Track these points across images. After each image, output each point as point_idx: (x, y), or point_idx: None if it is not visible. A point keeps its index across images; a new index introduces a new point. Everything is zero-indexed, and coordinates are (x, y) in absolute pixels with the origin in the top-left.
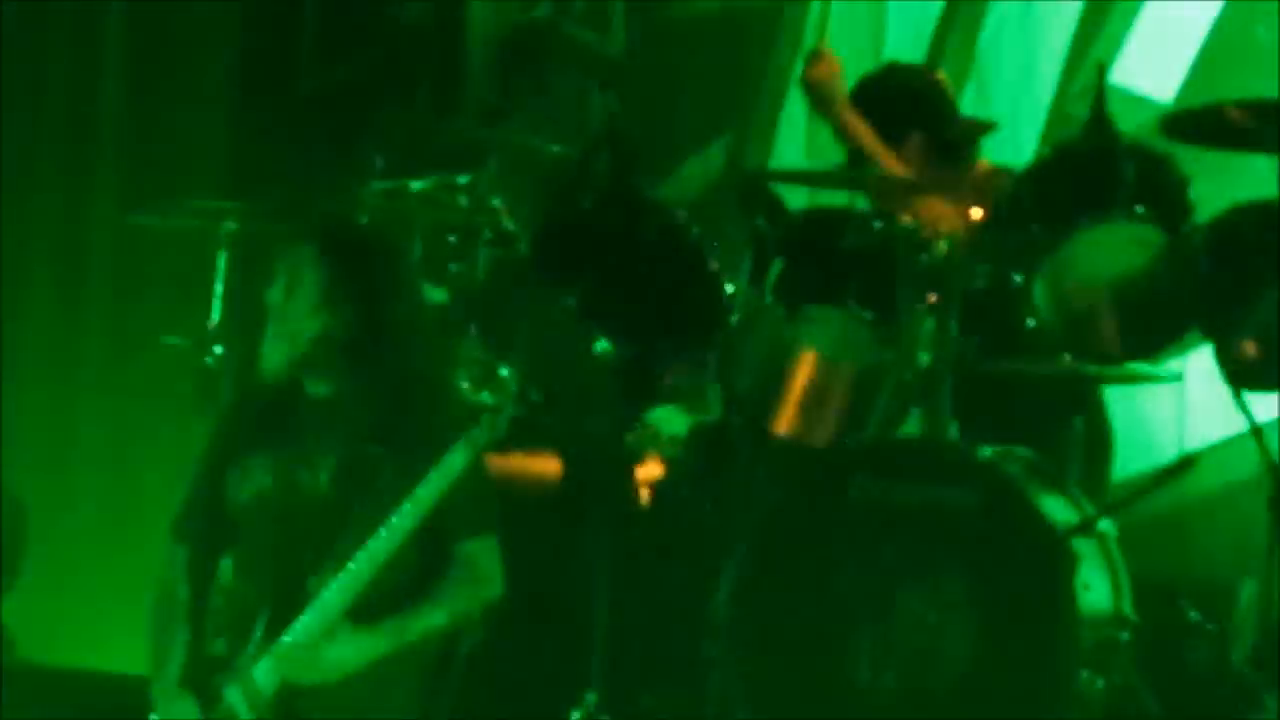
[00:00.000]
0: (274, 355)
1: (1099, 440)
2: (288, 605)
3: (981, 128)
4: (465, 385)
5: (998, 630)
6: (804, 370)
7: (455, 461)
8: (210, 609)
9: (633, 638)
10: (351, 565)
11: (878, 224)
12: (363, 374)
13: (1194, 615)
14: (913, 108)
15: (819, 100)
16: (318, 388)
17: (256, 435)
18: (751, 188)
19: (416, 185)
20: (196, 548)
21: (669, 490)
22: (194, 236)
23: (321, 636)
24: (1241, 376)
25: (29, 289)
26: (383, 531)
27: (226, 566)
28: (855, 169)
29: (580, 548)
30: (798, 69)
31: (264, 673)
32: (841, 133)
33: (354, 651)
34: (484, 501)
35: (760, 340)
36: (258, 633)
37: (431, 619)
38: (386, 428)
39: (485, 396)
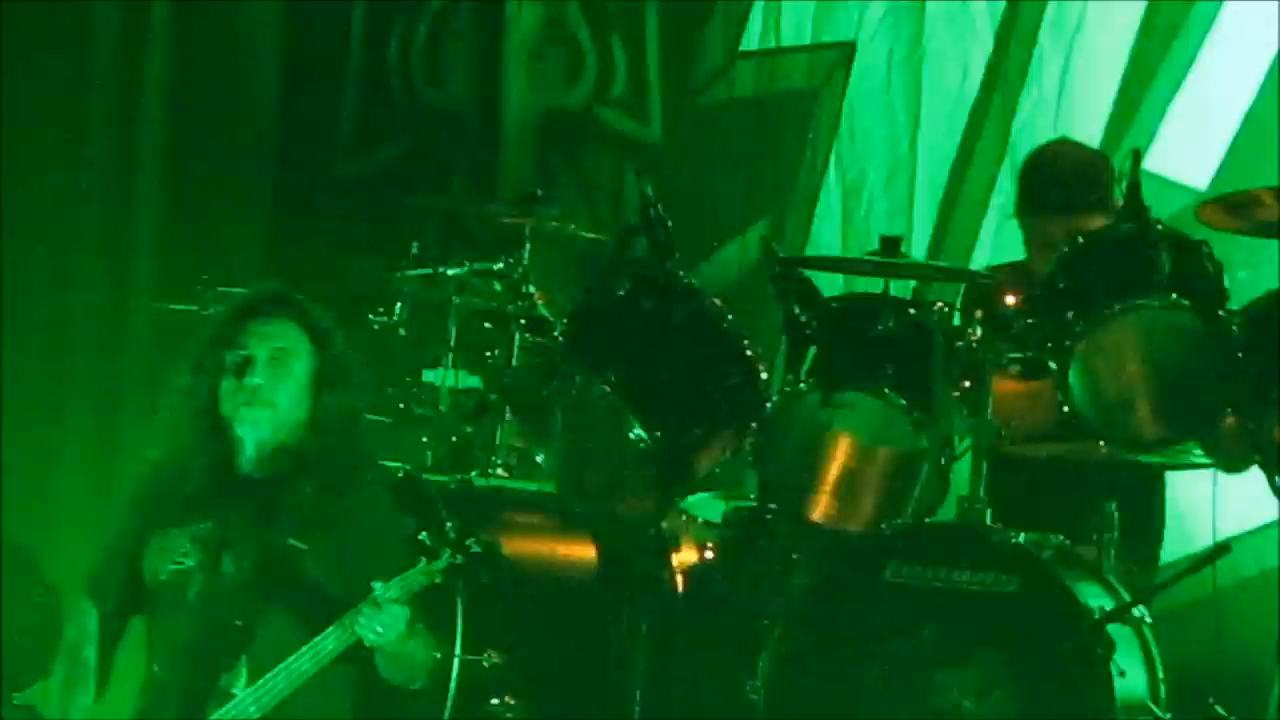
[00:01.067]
0: (252, 435)
1: (1144, 525)
2: (199, 697)
3: None
4: (502, 472)
5: (1033, 715)
6: (839, 455)
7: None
8: (127, 693)
9: None
10: (264, 682)
11: (912, 310)
12: (302, 465)
13: (1221, 711)
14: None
15: None
16: (254, 471)
17: (180, 508)
18: (787, 273)
19: (452, 271)
20: (108, 612)
21: (705, 576)
22: None
23: None
24: (1276, 462)
25: (70, 375)
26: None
27: (136, 634)
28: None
29: (616, 635)
30: (834, 152)
31: None
32: None
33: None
34: None
35: (796, 426)
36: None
37: None
38: (313, 523)
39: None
